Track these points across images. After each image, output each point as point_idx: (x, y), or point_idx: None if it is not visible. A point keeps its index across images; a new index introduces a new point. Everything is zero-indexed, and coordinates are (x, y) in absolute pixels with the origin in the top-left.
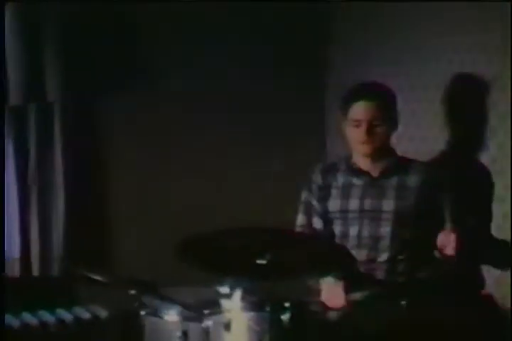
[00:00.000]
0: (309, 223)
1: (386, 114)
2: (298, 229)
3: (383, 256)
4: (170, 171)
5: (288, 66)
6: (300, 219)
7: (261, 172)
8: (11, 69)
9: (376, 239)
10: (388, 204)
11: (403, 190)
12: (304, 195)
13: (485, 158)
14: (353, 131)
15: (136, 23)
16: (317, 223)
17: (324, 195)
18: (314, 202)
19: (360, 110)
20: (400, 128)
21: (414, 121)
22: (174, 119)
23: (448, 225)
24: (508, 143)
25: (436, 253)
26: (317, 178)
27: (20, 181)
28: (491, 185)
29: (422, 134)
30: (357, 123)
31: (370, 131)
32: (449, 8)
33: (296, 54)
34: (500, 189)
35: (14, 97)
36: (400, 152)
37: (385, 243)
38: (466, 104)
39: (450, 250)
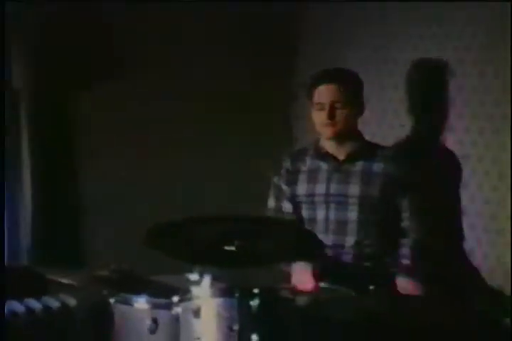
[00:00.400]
0: (279, 207)
1: (349, 97)
2: (268, 213)
3: (350, 241)
4: (141, 160)
5: (255, 53)
6: (270, 203)
7: (228, 159)
8: None
9: (343, 224)
10: (354, 189)
11: (368, 174)
12: (274, 180)
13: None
14: (317, 114)
15: (108, 11)
16: (287, 207)
17: (293, 179)
18: (283, 186)
19: (323, 93)
20: (367, 113)
21: (381, 108)
22: (145, 108)
23: (405, 215)
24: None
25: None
26: (286, 163)
27: None
28: (456, 171)
29: (389, 120)
30: (320, 107)
31: (332, 113)
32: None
33: (263, 41)
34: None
35: None
36: (367, 137)
37: (352, 227)
38: (430, 90)
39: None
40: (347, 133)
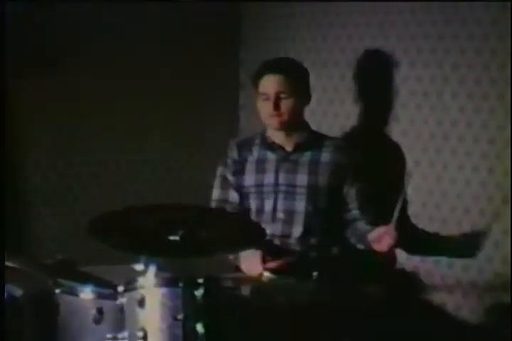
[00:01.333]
0: (225, 197)
1: (294, 87)
2: (213, 204)
3: (297, 231)
4: (84, 149)
5: (201, 43)
6: (215, 193)
7: (173, 149)
8: None
9: (290, 214)
10: (302, 179)
11: (316, 165)
12: (219, 170)
13: (396, 133)
14: (262, 104)
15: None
16: (233, 197)
17: (240, 170)
18: (230, 177)
19: (267, 83)
20: (313, 104)
21: (326, 97)
22: (92, 98)
23: (353, 205)
24: None
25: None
26: (233, 153)
27: None
28: (401, 161)
29: (335, 110)
30: (265, 97)
31: (277, 103)
32: None
33: (209, 31)
34: None
35: None
36: (313, 128)
37: (299, 217)
38: (375, 80)
39: (383, 246)
40: (293, 124)
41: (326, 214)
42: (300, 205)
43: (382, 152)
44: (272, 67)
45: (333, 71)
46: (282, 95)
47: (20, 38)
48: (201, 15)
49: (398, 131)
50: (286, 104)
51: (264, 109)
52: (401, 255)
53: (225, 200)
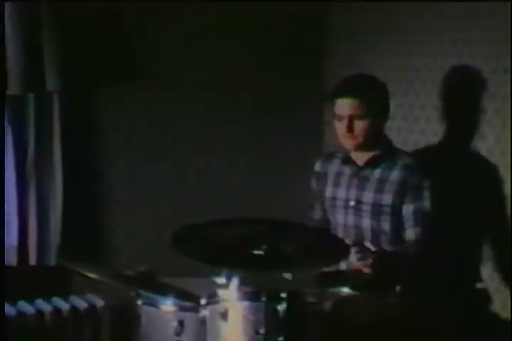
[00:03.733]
0: (317, 205)
1: (368, 108)
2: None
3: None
4: (167, 160)
5: (287, 56)
6: (311, 199)
7: (260, 163)
8: (10, 58)
9: (359, 230)
10: (368, 196)
11: (384, 182)
12: (312, 178)
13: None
14: (337, 124)
15: (136, 14)
16: (317, 210)
17: (322, 182)
18: (315, 189)
19: (341, 106)
20: (400, 121)
21: (412, 115)
22: (173, 109)
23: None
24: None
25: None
26: (317, 165)
27: (18, 170)
28: (485, 181)
29: (421, 128)
30: (340, 118)
31: (351, 126)
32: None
33: (296, 44)
34: None
35: (13, 86)
36: (398, 145)
37: (367, 234)
38: (461, 98)
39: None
40: (368, 144)
41: (389, 233)
42: (366, 222)
43: (463, 170)
44: (345, 90)
45: (419, 89)
46: (357, 118)
47: (100, 49)
48: (285, 27)
49: (484, 149)
50: (359, 126)
51: (339, 129)
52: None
53: (315, 206)
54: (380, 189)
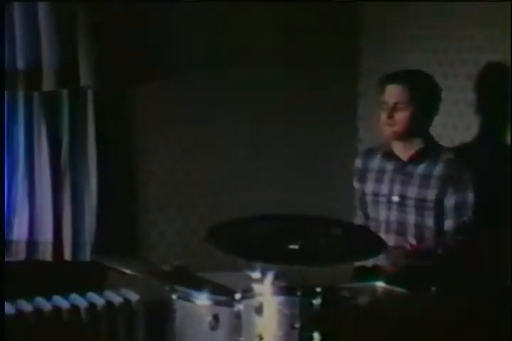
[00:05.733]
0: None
1: (414, 98)
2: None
3: (411, 242)
4: (202, 157)
5: (321, 54)
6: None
7: (295, 160)
8: (45, 54)
9: (402, 225)
10: (412, 192)
11: (428, 178)
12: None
13: None
14: (382, 113)
15: (170, 14)
16: (358, 205)
17: (363, 178)
18: (356, 184)
19: (389, 92)
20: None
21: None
22: (207, 108)
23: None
24: None
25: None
26: (358, 162)
27: (53, 166)
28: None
29: (454, 122)
30: (385, 106)
31: (392, 113)
32: None
33: (329, 41)
34: None
35: (47, 83)
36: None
37: (411, 229)
38: (495, 93)
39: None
40: (409, 134)
41: (436, 228)
42: (411, 217)
43: (497, 165)
44: (395, 77)
45: (452, 83)
46: (400, 105)
47: (135, 46)
48: (319, 26)
49: None
50: (401, 115)
51: (382, 117)
52: None
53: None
54: (424, 184)
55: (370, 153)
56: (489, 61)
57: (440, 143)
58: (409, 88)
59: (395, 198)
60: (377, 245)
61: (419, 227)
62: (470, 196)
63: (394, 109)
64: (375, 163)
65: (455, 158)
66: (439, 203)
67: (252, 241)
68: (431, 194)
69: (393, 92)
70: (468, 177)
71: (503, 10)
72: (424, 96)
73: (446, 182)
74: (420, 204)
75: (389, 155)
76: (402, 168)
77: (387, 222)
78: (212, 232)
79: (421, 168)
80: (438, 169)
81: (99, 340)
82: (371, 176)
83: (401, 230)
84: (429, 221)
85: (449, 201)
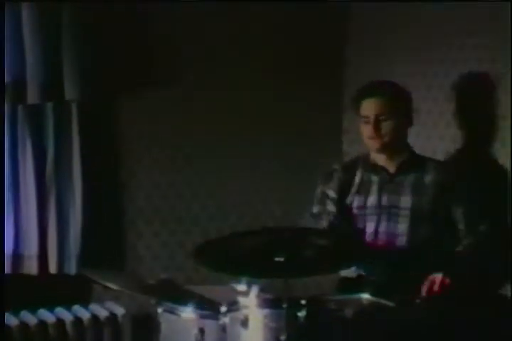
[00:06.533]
0: (323, 211)
1: (395, 109)
2: (312, 218)
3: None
4: (189, 170)
5: (305, 66)
6: (315, 208)
7: (275, 171)
8: (29, 67)
9: (393, 236)
10: (406, 201)
11: (420, 186)
12: (320, 187)
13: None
14: (363, 127)
15: (155, 21)
16: (331, 210)
17: (344, 190)
18: (332, 194)
19: (367, 106)
20: (418, 127)
21: (431, 120)
22: (194, 117)
23: (460, 226)
24: None
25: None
26: (338, 173)
27: (38, 179)
28: (507, 185)
29: (440, 133)
30: (366, 120)
31: (377, 126)
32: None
33: (312, 54)
34: None
35: (32, 96)
36: (417, 150)
37: (402, 239)
38: (477, 103)
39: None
40: (394, 146)
41: (429, 237)
42: (402, 227)
43: (487, 174)
44: (371, 90)
45: (437, 94)
46: (382, 117)
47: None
48: (308, 38)
49: (504, 153)
50: (386, 126)
51: (365, 131)
52: None
53: (324, 213)
54: (417, 193)
55: (350, 166)
56: (475, 71)
57: (423, 154)
58: (389, 100)
59: (385, 209)
60: (362, 252)
61: (411, 236)
62: (476, 207)
63: (377, 121)
64: (357, 176)
65: (444, 166)
66: (436, 211)
67: (238, 256)
68: (426, 202)
69: (372, 106)
70: (464, 185)
71: (493, 17)
72: (403, 107)
73: (443, 191)
74: (414, 214)
75: (373, 167)
76: (391, 179)
77: (376, 234)
78: (198, 251)
79: (411, 177)
80: (429, 177)
81: None
82: (354, 189)
83: (390, 241)
84: (423, 230)
85: (457, 211)
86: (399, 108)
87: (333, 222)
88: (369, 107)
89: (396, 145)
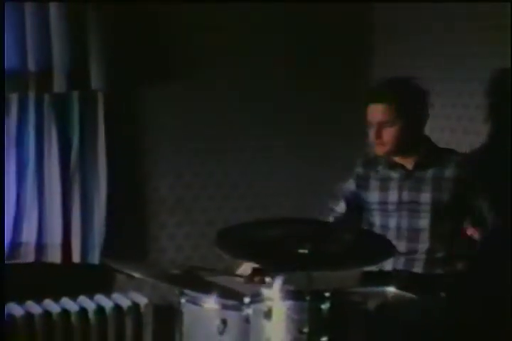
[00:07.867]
0: (345, 208)
1: (400, 113)
2: (332, 213)
3: (423, 248)
4: (212, 159)
5: (333, 57)
6: (335, 203)
7: (304, 164)
8: (56, 57)
9: (415, 231)
10: (425, 196)
11: (439, 181)
12: (341, 183)
13: None
14: (370, 131)
15: (180, 15)
16: (341, 208)
17: (364, 185)
18: (353, 189)
19: (370, 112)
20: (442, 120)
21: (455, 114)
22: (218, 109)
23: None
24: None
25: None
26: (359, 169)
27: (62, 168)
28: None
29: (464, 127)
30: (370, 124)
31: (379, 133)
32: None
33: (342, 44)
34: None
35: (58, 85)
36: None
37: (424, 235)
38: (506, 98)
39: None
40: (403, 148)
41: (451, 232)
42: (424, 222)
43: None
44: (375, 95)
45: (462, 87)
46: (385, 124)
47: (145, 49)
48: (330, 28)
49: None
50: (389, 133)
51: (370, 136)
52: None
53: (341, 208)
54: (437, 188)
55: (371, 162)
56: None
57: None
58: (393, 106)
59: (405, 205)
60: (387, 249)
61: (434, 231)
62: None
63: (380, 128)
64: (378, 172)
65: (464, 160)
66: (457, 206)
67: (262, 245)
68: (446, 197)
69: (375, 112)
70: (485, 178)
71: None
72: (410, 108)
73: (462, 185)
74: (435, 208)
75: (392, 164)
76: (410, 175)
77: (398, 230)
78: (221, 236)
79: (430, 172)
80: (448, 171)
81: None
82: (374, 185)
83: (413, 236)
84: (445, 225)
85: (479, 205)
86: (405, 110)
87: (353, 217)
88: (372, 113)
89: (405, 147)
